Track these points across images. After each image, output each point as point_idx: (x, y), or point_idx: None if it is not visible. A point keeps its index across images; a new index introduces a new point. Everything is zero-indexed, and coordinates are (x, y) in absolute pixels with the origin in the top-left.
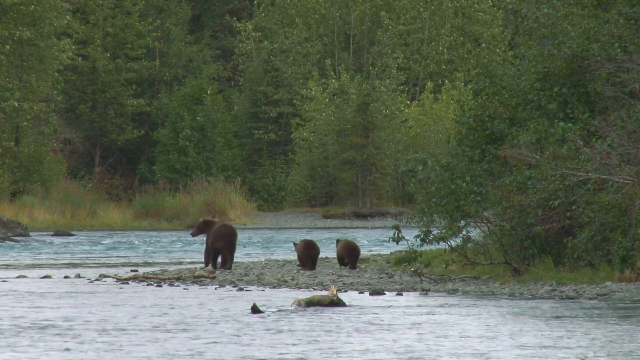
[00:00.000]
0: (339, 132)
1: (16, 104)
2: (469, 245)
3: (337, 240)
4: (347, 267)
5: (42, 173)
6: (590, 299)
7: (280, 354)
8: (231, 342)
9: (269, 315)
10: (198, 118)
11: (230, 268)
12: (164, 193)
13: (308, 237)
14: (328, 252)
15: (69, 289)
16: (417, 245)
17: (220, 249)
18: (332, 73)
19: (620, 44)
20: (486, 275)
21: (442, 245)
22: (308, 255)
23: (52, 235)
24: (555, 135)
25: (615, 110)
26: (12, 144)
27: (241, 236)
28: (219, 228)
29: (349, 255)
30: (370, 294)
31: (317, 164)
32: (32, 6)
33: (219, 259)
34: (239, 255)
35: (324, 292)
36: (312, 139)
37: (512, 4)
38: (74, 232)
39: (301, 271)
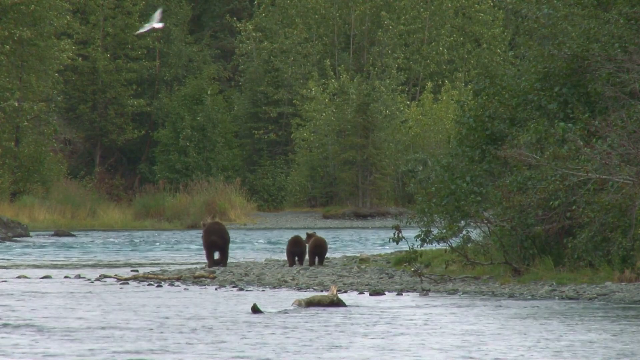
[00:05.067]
0: (339, 132)
1: (16, 104)
2: (469, 245)
3: (308, 235)
4: (317, 264)
5: (42, 173)
6: (590, 299)
7: (281, 354)
8: (231, 343)
9: (269, 316)
10: (198, 118)
11: (225, 264)
12: (164, 193)
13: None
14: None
15: (70, 289)
16: (418, 246)
17: (216, 245)
18: (332, 73)
19: (620, 44)
20: (486, 275)
21: (443, 245)
22: (292, 252)
23: (53, 236)
24: (556, 135)
25: (615, 110)
26: (12, 144)
27: (241, 236)
28: (211, 225)
29: (313, 252)
30: (370, 294)
31: (317, 164)
32: (32, 6)
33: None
34: (240, 256)
35: (324, 293)
36: (312, 139)
37: (512, 4)
38: (74, 232)
39: (286, 267)
